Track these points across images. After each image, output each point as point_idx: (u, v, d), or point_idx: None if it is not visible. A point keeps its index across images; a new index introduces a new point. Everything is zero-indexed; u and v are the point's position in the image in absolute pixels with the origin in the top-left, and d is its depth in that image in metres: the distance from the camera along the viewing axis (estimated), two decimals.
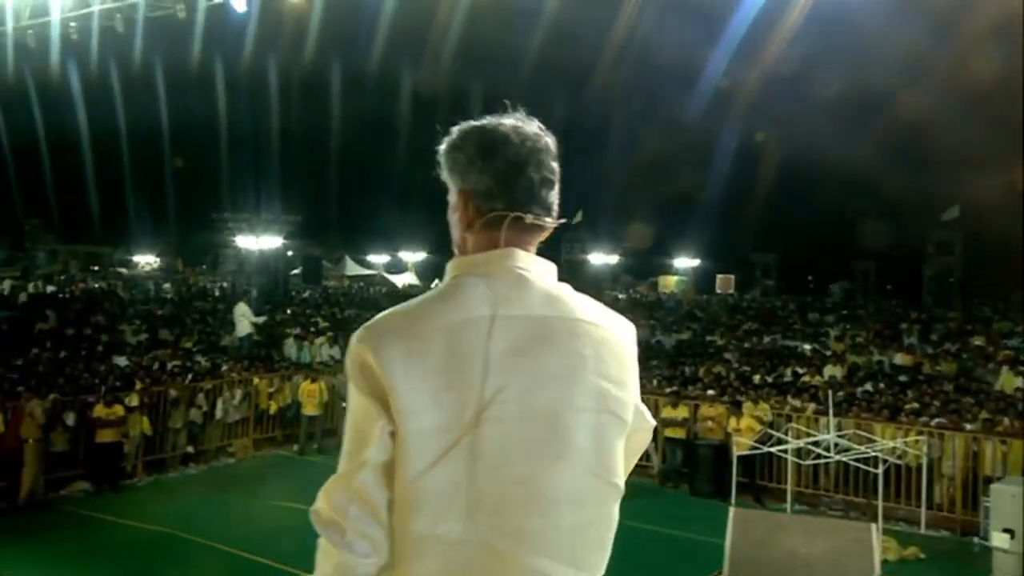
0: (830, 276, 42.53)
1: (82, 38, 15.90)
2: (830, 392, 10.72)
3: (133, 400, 11.20)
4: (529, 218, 1.33)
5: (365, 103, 38.12)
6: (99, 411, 10.64)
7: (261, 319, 17.34)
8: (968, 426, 10.51)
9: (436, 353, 1.21)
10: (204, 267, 47.31)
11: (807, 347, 18.50)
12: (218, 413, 12.44)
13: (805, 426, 10.66)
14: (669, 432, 11.62)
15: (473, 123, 1.37)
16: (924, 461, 9.94)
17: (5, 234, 39.72)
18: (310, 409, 12.89)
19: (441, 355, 1.21)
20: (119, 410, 10.78)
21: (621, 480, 1.33)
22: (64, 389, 11.14)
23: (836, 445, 9.25)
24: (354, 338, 1.26)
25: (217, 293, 30.34)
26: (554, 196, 1.37)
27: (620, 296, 33.35)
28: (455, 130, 1.38)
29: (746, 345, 19.11)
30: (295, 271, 34.67)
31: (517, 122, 1.36)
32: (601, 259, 39.23)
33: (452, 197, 1.39)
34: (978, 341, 18.71)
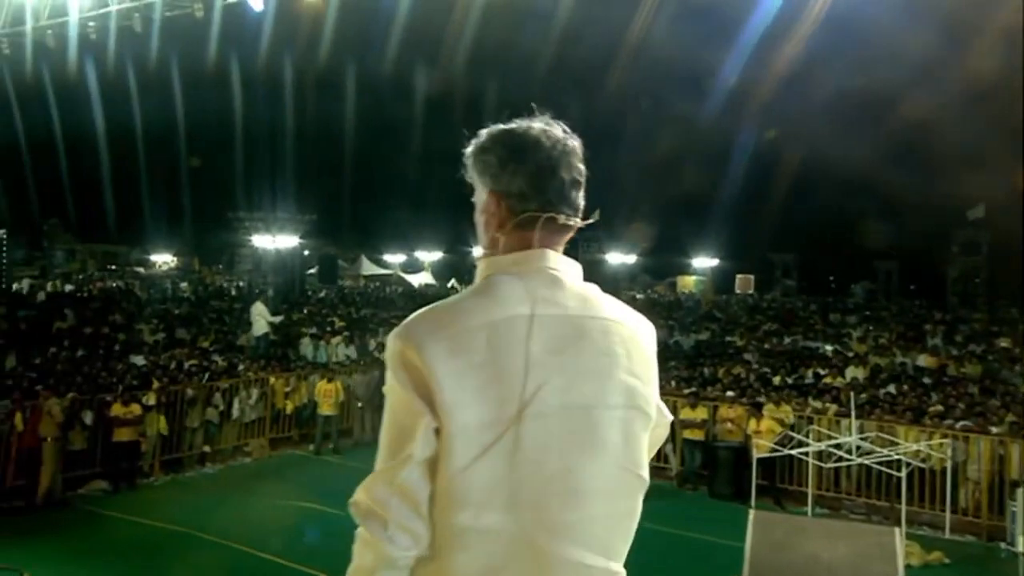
0: (852, 276, 42.19)
1: (100, 38, 16.06)
2: (852, 394, 10.64)
3: (150, 399, 11.31)
4: (561, 219, 1.38)
5: (381, 103, 38.31)
6: (116, 410, 10.75)
7: (278, 319, 17.43)
8: (994, 429, 10.39)
9: (479, 350, 1.25)
10: (221, 266, 47.71)
11: (828, 348, 18.34)
12: (235, 412, 12.53)
13: (826, 428, 10.58)
14: (688, 434, 11.57)
15: (502, 126, 1.42)
16: (948, 464, 9.84)
17: (24, 233, 40.16)
18: (326, 409, 12.96)
19: (484, 352, 1.25)
20: (136, 409, 10.89)
21: (646, 472, 1.39)
22: (82, 388, 11.26)
23: (858, 448, 9.19)
24: (395, 336, 1.29)
25: (234, 292, 30.57)
26: (582, 197, 1.42)
27: (638, 296, 33.25)
28: (483, 133, 1.43)
29: (766, 346, 18.98)
30: (311, 270, 34.86)
31: (544, 125, 1.40)
32: (619, 259, 39.13)
33: (481, 198, 1.43)
34: (1004, 343, 18.49)
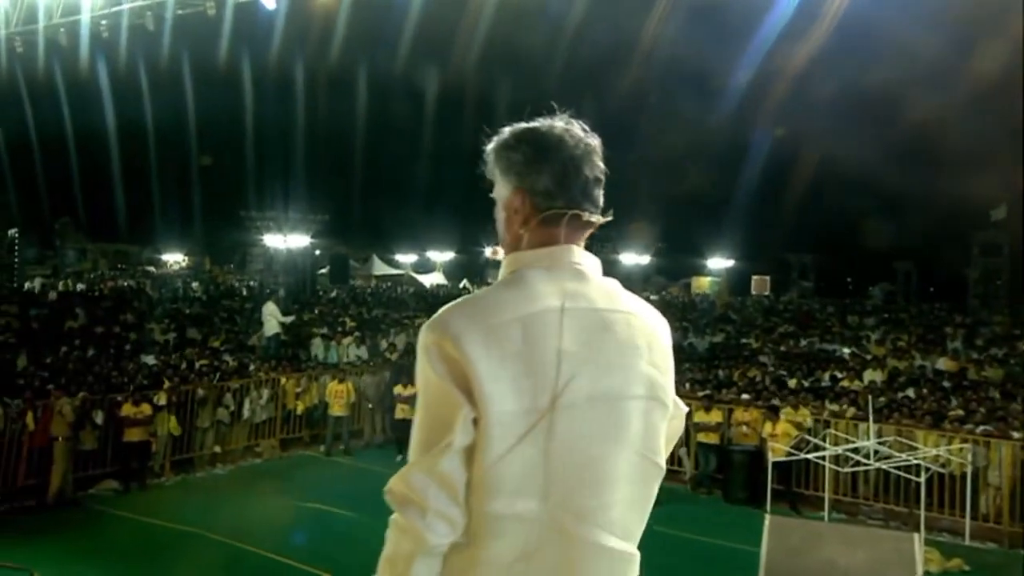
0: (870, 278, 41.93)
1: (112, 36, 16.19)
2: (870, 397, 10.57)
3: (161, 399, 11.38)
4: (585, 216, 1.45)
5: (393, 102, 38.40)
6: (127, 410, 10.82)
7: (289, 319, 17.49)
8: (1016, 434, 10.28)
9: (514, 342, 1.30)
10: (232, 266, 47.97)
11: (846, 351, 18.23)
12: (245, 413, 12.59)
13: (844, 432, 10.51)
14: (702, 437, 11.53)
15: (525, 125, 1.48)
16: (969, 470, 9.76)
17: (36, 232, 40.53)
18: (337, 410, 12.99)
19: (519, 344, 1.31)
20: (147, 409, 10.96)
21: (663, 461, 1.46)
22: (93, 387, 11.34)
23: (876, 452, 9.12)
24: (430, 329, 1.33)
25: (245, 292, 30.71)
26: (602, 194, 1.49)
27: (652, 297, 33.15)
28: (506, 131, 1.49)
29: (782, 348, 18.88)
30: (323, 270, 34.99)
31: (565, 124, 1.46)
32: (632, 259, 39.06)
33: (503, 195, 1.49)
34: None
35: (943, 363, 16.14)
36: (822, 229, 41.09)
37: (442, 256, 46.05)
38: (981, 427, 10.51)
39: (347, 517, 9.65)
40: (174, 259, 48.37)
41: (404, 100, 38.04)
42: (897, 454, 9.20)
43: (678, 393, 1.55)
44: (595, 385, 1.34)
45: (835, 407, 11.86)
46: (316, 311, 22.42)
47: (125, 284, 34.26)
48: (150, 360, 14.09)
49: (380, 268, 42.54)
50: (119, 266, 45.80)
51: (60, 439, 10.16)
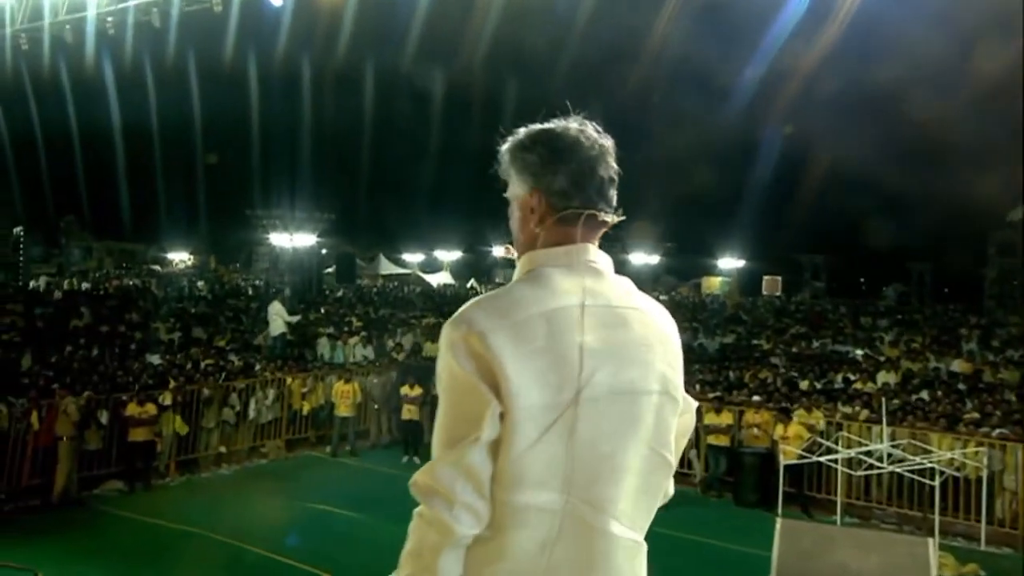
0: (883, 278, 41.70)
1: (118, 33, 16.24)
2: (883, 399, 10.52)
3: (166, 399, 11.42)
4: (601, 215, 1.50)
5: (401, 100, 38.42)
6: (131, 409, 10.87)
7: (295, 318, 17.52)
8: None
9: (539, 337, 1.36)
10: (238, 265, 48.08)
11: (859, 352, 18.16)
12: (251, 413, 12.62)
13: (856, 434, 10.47)
14: (712, 439, 11.50)
15: (540, 126, 1.53)
16: (984, 474, 9.71)
17: (41, 230, 40.73)
18: (343, 410, 13.00)
19: (544, 339, 1.36)
20: (151, 409, 11.00)
21: (672, 456, 1.53)
22: (98, 387, 11.39)
23: (890, 455, 9.08)
24: (455, 325, 1.38)
25: (251, 291, 30.79)
26: (615, 194, 1.54)
27: (662, 297, 33.03)
28: (522, 132, 1.54)
29: (794, 350, 18.82)
30: (329, 269, 35.03)
31: (580, 125, 1.52)
32: (642, 259, 38.98)
33: (519, 194, 1.54)
34: None
35: (958, 365, 16.06)
36: (834, 229, 40.88)
37: (449, 255, 46.04)
38: (997, 430, 10.45)
39: (352, 518, 9.67)
40: (179, 258, 48.52)
41: (411, 98, 38.08)
42: (911, 457, 9.16)
43: (688, 394, 1.59)
44: (615, 380, 1.40)
45: (848, 409, 11.81)
46: (322, 311, 22.46)
47: (130, 283, 34.38)
48: (155, 360, 14.14)
49: (387, 267, 42.57)
50: (124, 265, 45.97)
51: (65, 439, 10.21)
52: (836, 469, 9.89)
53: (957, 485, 9.81)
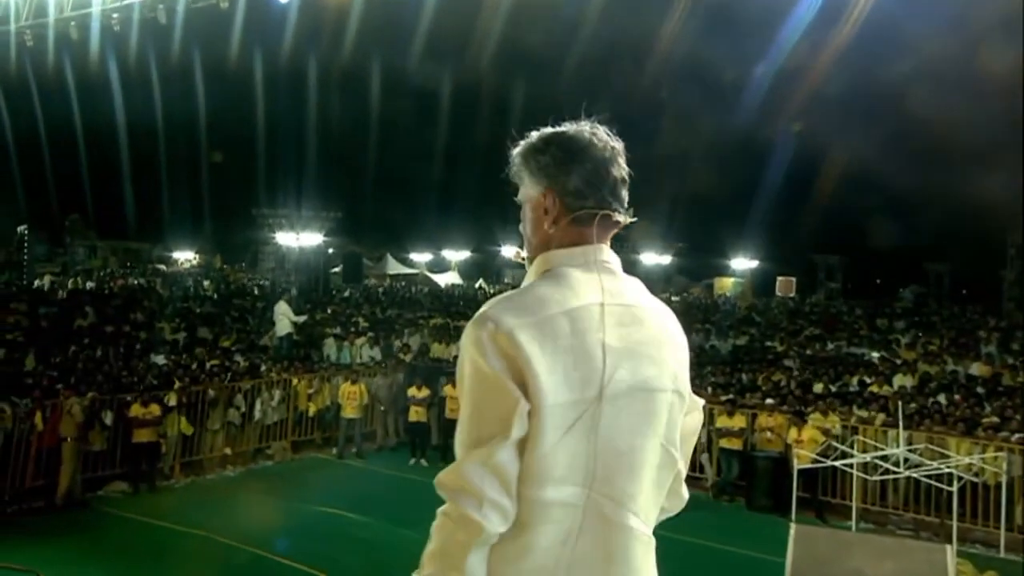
0: (900, 279, 41.46)
1: (123, 29, 16.33)
2: (900, 403, 10.47)
3: (171, 399, 11.46)
4: (615, 215, 1.55)
5: (408, 98, 38.46)
6: (135, 410, 10.91)
7: (301, 318, 17.56)
8: None
9: (564, 335, 1.40)
10: (243, 264, 48.17)
11: (875, 355, 18.08)
12: (256, 414, 12.66)
13: (872, 439, 10.42)
14: (724, 443, 11.47)
15: (551, 129, 1.58)
16: (1004, 479, 9.64)
17: (45, 229, 40.91)
18: (350, 412, 13.01)
19: (568, 337, 1.40)
20: (156, 410, 11.04)
21: (679, 453, 1.58)
22: (102, 387, 11.43)
23: (906, 460, 9.04)
24: (480, 324, 1.41)
25: (256, 291, 30.88)
26: (627, 195, 1.59)
27: (674, 298, 33.04)
28: (534, 135, 1.59)
29: (808, 352, 18.76)
30: (336, 269, 35.10)
31: (591, 128, 1.57)
32: (653, 259, 38.91)
33: (532, 195, 1.58)
34: None
35: (976, 368, 15.97)
36: (850, 229, 40.71)
37: (457, 255, 46.06)
38: (1016, 435, 10.37)
39: (358, 521, 9.69)
40: (185, 257, 48.64)
41: (418, 96, 38.10)
42: (928, 462, 9.12)
43: (700, 396, 1.64)
44: (634, 377, 1.45)
45: (863, 413, 11.76)
46: (329, 311, 22.50)
47: (135, 282, 34.52)
48: (160, 360, 14.20)
49: (394, 267, 42.62)
50: (129, 264, 46.14)
51: (69, 440, 10.24)
52: (851, 474, 9.86)
53: (975, 491, 9.74)
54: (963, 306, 33.32)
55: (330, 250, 32.19)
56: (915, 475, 9.15)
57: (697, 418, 1.69)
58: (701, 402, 1.70)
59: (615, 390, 1.42)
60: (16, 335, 15.49)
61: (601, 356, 1.41)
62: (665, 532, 1.67)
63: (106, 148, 38.59)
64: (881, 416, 11.45)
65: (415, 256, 45.96)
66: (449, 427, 12.56)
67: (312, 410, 13.46)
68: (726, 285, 42.04)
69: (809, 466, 10.08)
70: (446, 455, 12.36)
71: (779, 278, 41.69)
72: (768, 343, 20.41)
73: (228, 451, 12.31)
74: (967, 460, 9.39)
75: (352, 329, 18.24)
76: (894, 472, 9.24)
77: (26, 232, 30.29)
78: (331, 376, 14.00)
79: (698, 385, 12.98)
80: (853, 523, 9.80)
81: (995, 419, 11.15)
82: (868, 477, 9.92)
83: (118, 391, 11.41)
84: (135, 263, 46.39)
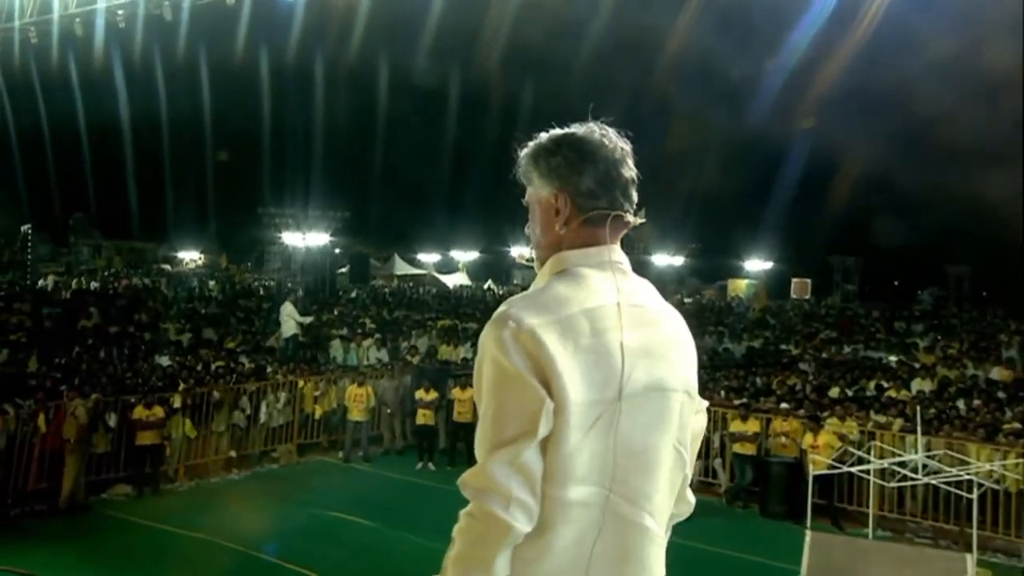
0: (919, 281, 41.25)
1: (129, 26, 16.41)
2: (918, 408, 10.40)
3: (176, 401, 11.50)
4: (627, 216, 1.58)
5: (416, 96, 38.50)
6: (139, 412, 10.96)
7: (307, 319, 17.59)
8: None
9: (584, 335, 1.43)
10: (249, 264, 48.38)
11: (892, 359, 18.01)
12: (262, 416, 12.69)
13: (890, 444, 10.37)
14: (738, 448, 11.43)
15: (562, 131, 1.60)
16: None
17: (49, 229, 41.14)
18: (356, 415, 13.03)
19: (588, 337, 1.43)
20: (159, 412, 11.08)
21: (687, 454, 1.60)
22: (106, 389, 11.48)
23: (925, 466, 8.97)
24: (501, 323, 1.42)
25: (262, 291, 30.99)
26: (636, 196, 1.61)
27: (686, 300, 32.97)
28: (544, 137, 1.61)
29: (824, 355, 18.69)
30: (342, 269, 35.17)
31: (600, 129, 1.59)
32: (665, 260, 38.87)
33: (542, 196, 1.60)
34: None
35: (997, 372, 15.88)
36: (866, 230, 40.50)
37: (466, 256, 46.12)
38: None
39: (365, 526, 9.69)
40: (190, 257, 48.83)
41: (427, 94, 38.16)
42: (947, 468, 9.05)
43: (712, 402, 1.63)
44: (650, 377, 1.48)
45: (881, 418, 11.70)
46: (335, 312, 22.54)
47: (140, 282, 34.64)
48: (165, 361, 14.26)
49: (402, 268, 42.69)
50: (133, 264, 46.35)
51: (72, 442, 10.27)
52: (868, 480, 9.79)
53: (996, 498, 9.69)
54: (983, 309, 33.12)
55: (337, 250, 32.30)
56: (934, 482, 9.08)
57: (702, 419, 1.71)
58: (705, 403, 1.72)
59: (632, 390, 1.44)
60: (19, 336, 15.56)
61: (620, 356, 1.44)
62: (677, 539, 1.67)
63: (110, 146, 38.79)
64: (899, 421, 11.39)
65: (423, 256, 46.03)
66: (457, 431, 12.57)
67: (318, 413, 13.48)
68: (740, 287, 41.92)
69: (825, 472, 10.02)
70: (454, 459, 12.38)
71: (794, 280, 41.52)
72: (783, 346, 20.35)
73: (233, 454, 12.35)
74: (988, 466, 9.33)
75: (359, 331, 18.28)
76: (912, 479, 9.17)
77: (29, 231, 30.42)
78: (337, 378, 14.03)
79: (711, 389, 12.93)
80: (870, 531, 9.73)
81: (1016, 425, 11.08)
82: (885, 484, 9.86)
83: (122, 393, 11.45)
84: (140, 263, 46.60)
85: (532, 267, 1.66)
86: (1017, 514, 9.66)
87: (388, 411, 13.75)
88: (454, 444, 12.70)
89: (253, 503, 10.90)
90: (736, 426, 11.41)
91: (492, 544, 1.37)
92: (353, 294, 30.95)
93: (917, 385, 14.30)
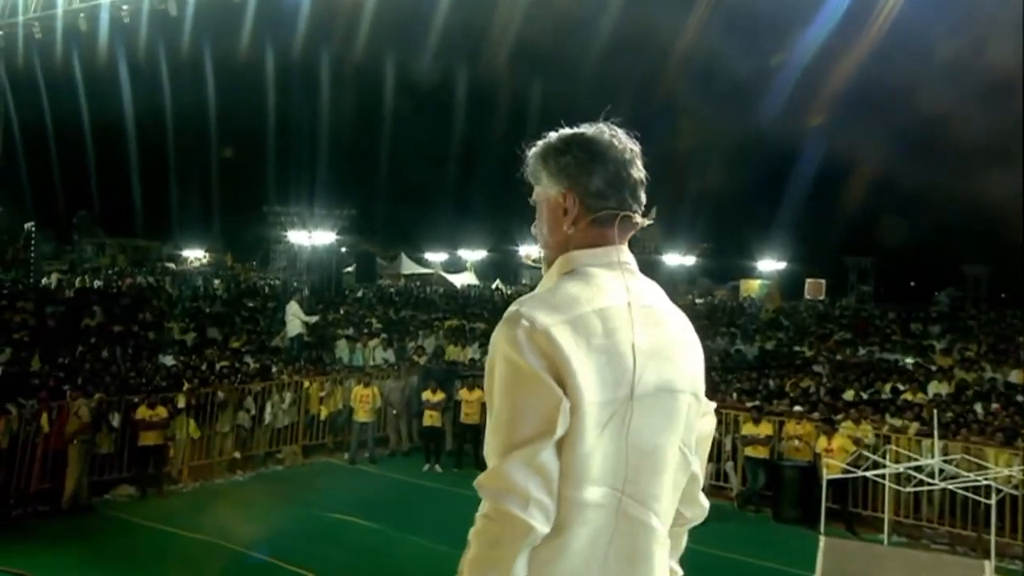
0: (936, 282, 41.06)
1: (133, 21, 16.47)
2: (935, 412, 10.36)
3: (180, 401, 11.54)
4: (636, 216, 1.59)
5: (424, 94, 38.52)
6: (142, 412, 10.99)
7: (313, 319, 17.63)
8: None
9: (597, 335, 1.44)
10: (255, 263, 48.50)
11: (908, 361, 17.93)
12: (267, 417, 12.72)
13: (906, 448, 10.32)
14: (750, 451, 11.40)
15: (571, 130, 1.62)
16: None
17: (53, 226, 41.33)
18: (362, 415, 13.04)
19: (600, 336, 1.44)
20: (162, 412, 11.12)
21: (693, 456, 1.62)
22: (110, 388, 11.52)
23: (941, 471, 8.95)
24: (514, 322, 1.43)
25: (267, 291, 31.07)
26: (644, 197, 1.63)
27: (698, 300, 32.92)
28: (553, 136, 1.62)
29: (838, 357, 18.63)
30: (348, 268, 35.24)
31: (610, 129, 1.60)
32: (676, 260, 38.80)
33: (550, 195, 1.61)
34: None
35: (1016, 375, 15.81)
36: (882, 230, 40.32)
37: (473, 255, 46.12)
38: None
39: (371, 528, 9.71)
40: (195, 255, 48.99)
41: (434, 92, 38.18)
42: (965, 473, 9.02)
43: (723, 403, 1.65)
44: (660, 378, 1.49)
45: (897, 422, 11.65)
46: (341, 311, 22.59)
47: (144, 281, 34.77)
48: (169, 361, 14.30)
49: (408, 267, 42.71)
50: (138, 262, 46.53)
51: (75, 442, 10.31)
52: (884, 485, 9.76)
53: (1015, 504, 9.62)
54: (1002, 310, 32.90)
55: (343, 249, 32.34)
56: (951, 487, 9.05)
57: (710, 422, 1.72)
58: (713, 405, 1.73)
59: (643, 390, 1.45)
60: (22, 334, 15.64)
61: (631, 356, 1.45)
62: (688, 543, 1.67)
63: (115, 143, 38.92)
64: (915, 425, 11.35)
65: (430, 256, 46.06)
66: (464, 432, 12.58)
67: (324, 413, 13.50)
68: (752, 287, 41.80)
69: (839, 476, 10.00)
70: (461, 461, 12.39)
71: (808, 280, 41.36)
72: (796, 348, 20.28)
73: (237, 455, 12.38)
74: (1006, 472, 9.29)
75: (365, 330, 18.30)
76: (929, 484, 9.14)
77: (33, 229, 30.55)
78: (343, 379, 14.05)
79: (723, 391, 12.89)
80: (885, 536, 9.70)
81: None
82: (901, 488, 9.82)
83: (126, 392, 11.49)
84: (144, 261, 46.81)
85: (539, 268, 1.66)
86: None
87: (394, 412, 13.76)
88: (461, 446, 12.71)
89: (257, 505, 10.93)
90: (748, 429, 11.38)
91: (510, 545, 1.37)
92: (359, 293, 30.99)
93: (934, 388, 14.24)
